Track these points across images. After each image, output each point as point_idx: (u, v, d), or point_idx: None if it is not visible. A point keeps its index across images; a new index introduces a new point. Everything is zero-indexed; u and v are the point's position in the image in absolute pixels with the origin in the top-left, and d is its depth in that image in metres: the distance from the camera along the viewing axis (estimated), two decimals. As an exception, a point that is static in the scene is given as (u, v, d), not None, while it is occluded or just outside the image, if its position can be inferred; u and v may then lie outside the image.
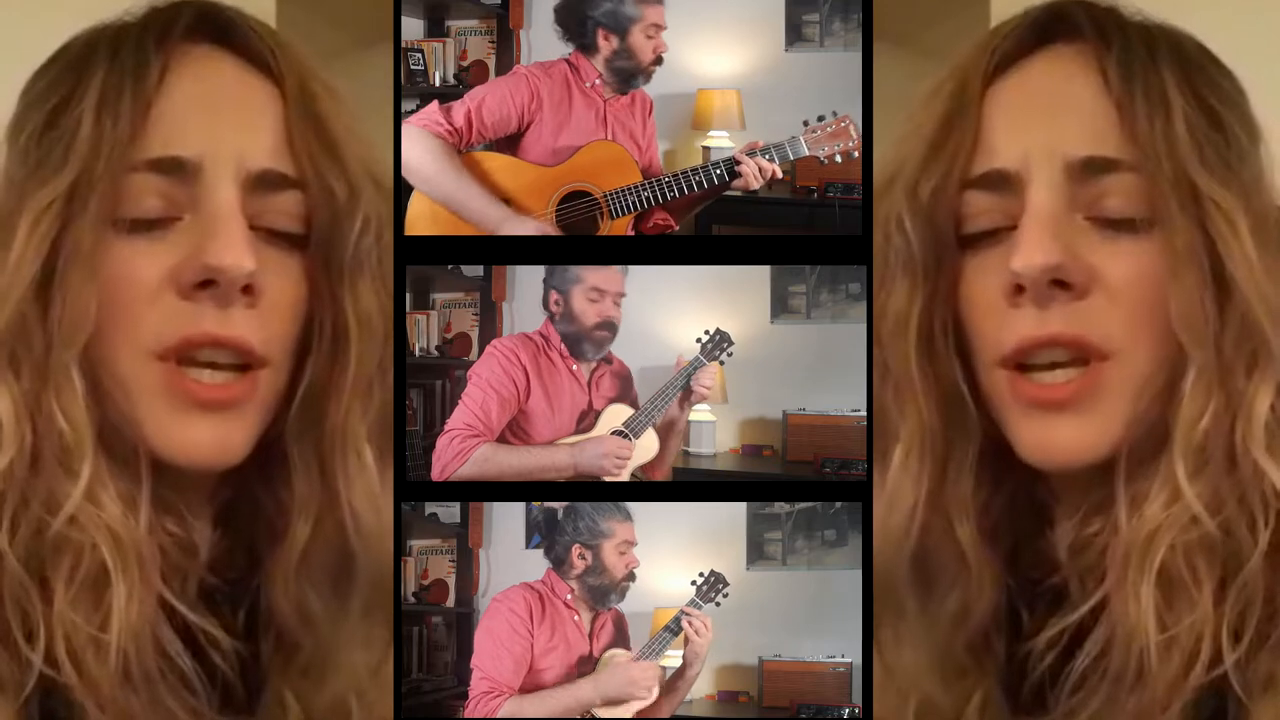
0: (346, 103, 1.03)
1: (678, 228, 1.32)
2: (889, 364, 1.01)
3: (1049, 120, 0.98)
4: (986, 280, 0.99)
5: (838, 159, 1.29)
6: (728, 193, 1.30)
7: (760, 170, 1.28)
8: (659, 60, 1.32)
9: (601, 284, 1.31)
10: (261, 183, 0.98)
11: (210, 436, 0.97)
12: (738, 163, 1.28)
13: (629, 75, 1.32)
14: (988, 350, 0.99)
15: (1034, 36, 1.01)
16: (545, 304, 1.33)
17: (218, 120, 0.98)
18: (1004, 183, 0.98)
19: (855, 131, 1.28)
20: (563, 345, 1.33)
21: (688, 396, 1.32)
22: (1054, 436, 0.97)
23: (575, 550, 1.30)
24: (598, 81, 1.32)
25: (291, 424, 1.00)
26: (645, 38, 1.31)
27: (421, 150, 1.27)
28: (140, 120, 0.96)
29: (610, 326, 1.32)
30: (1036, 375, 0.97)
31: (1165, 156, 0.95)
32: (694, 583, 1.30)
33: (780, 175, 1.29)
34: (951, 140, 0.99)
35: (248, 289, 0.96)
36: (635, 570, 1.30)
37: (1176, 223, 0.95)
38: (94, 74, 0.97)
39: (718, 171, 1.29)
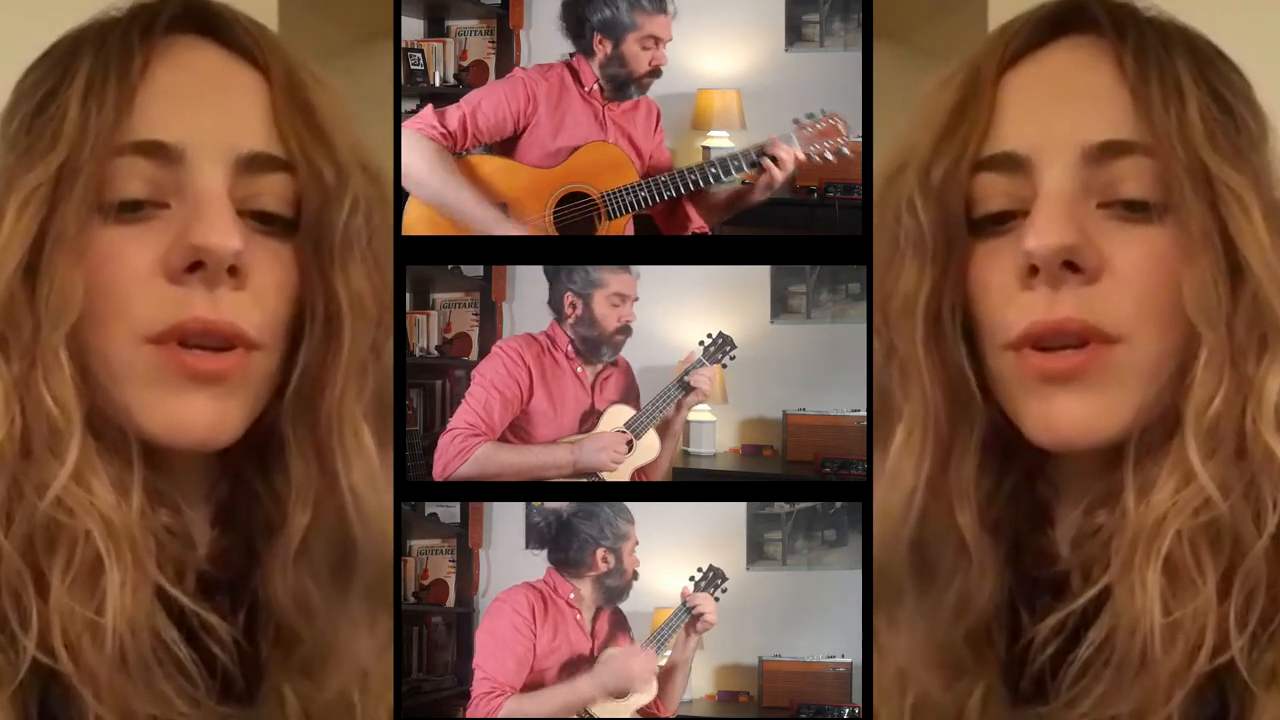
0: (334, 91, 1.04)
1: (710, 230, 1.32)
2: (895, 343, 1.01)
3: (1063, 106, 0.99)
4: (998, 265, 0.99)
5: (828, 156, 1.29)
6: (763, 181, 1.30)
7: (795, 156, 1.28)
8: (655, 73, 1.32)
9: (623, 289, 1.31)
10: (249, 166, 0.99)
11: (204, 411, 0.97)
12: (764, 155, 1.28)
13: (621, 83, 1.32)
14: (996, 335, 0.99)
15: (1049, 28, 1.02)
16: (557, 305, 1.32)
17: (202, 106, 0.99)
18: (1016, 166, 0.99)
19: (844, 129, 1.28)
20: (569, 347, 1.33)
21: (685, 398, 1.33)
22: (1060, 411, 0.97)
23: (599, 553, 1.30)
24: (595, 87, 1.32)
25: (287, 408, 1.00)
26: (640, 49, 1.31)
27: (415, 154, 1.27)
28: (125, 106, 0.97)
29: (627, 330, 1.33)
30: (1044, 351, 0.97)
31: (1179, 141, 0.96)
32: (692, 578, 1.30)
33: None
34: (964, 125, 1.00)
35: (234, 271, 0.96)
36: (638, 570, 1.31)
37: (1190, 207, 0.96)
38: (80, 64, 0.98)
39: (713, 171, 1.29)
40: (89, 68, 0.98)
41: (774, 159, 1.28)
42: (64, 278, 0.95)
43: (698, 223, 1.31)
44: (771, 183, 1.29)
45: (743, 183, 1.31)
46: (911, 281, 1.01)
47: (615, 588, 1.31)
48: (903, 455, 1.01)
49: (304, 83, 1.02)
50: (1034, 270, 0.97)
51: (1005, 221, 1.00)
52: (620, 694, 1.26)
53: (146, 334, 0.96)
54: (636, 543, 1.30)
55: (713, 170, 1.29)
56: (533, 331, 1.34)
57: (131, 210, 0.97)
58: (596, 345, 1.33)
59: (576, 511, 1.30)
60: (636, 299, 1.32)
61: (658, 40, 1.31)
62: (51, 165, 0.95)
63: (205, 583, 0.99)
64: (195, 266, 0.96)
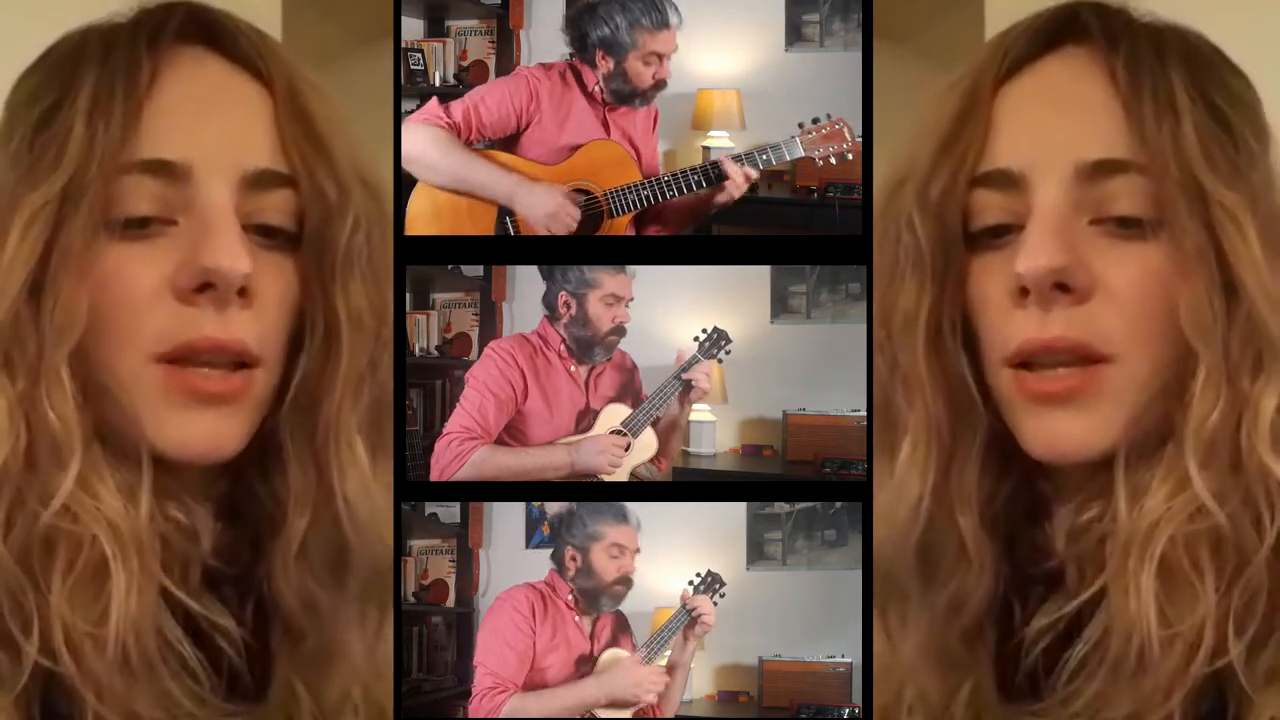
0: (335, 103, 1.04)
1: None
2: (898, 359, 1.02)
3: (1057, 122, 0.99)
4: (993, 281, 0.99)
5: (832, 160, 1.29)
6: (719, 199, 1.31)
7: (746, 177, 1.29)
8: (660, 85, 1.32)
9: (618, 290, 1.31)
10: (254, 182, 0.99)
11: (206, 430, 0.97)
12: (722, 166, 1.29)
13: (625, 96, 1.32)
14: (994, 349, 1.00)
15: (1044, 38, 1.02)
16: (550, 304, 1.33)
17: (207, 123, 0.99)
18: (1011, 183, 0.99)
19: (850, 133, 1.28)
20: (562, 346, 1.33)
21: (687, 394, 1.33)
22: (1057, 431, 0.98)
23: (568, 552, 1.30)
24: (597, 88, 1.32)
25: (285, 418, 1.01)
26: (643, 65, 1.31)
27: (425, 141, 1.28)
28: (132, 122, 0.97)
29: (621, 331, 1.33)
30: (1039, 371, 0.98)
31: (1172, 158, 0.96)
32: (691, 582, 1.30)
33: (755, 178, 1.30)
34: (962, 139, 1.00)
35: (243, 291, 0.97)
36: (631, 576, 1.31)
37: (1184, 224, 0.95)
38: (85, 76, 0.97)
39: (716, 171, 1.29)
40: (94, 81, 0.97)
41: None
42: (69, 296, 0.94)
43: (657, 230, 1.32)
44: (731, 198, 1.30)
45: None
46: (911, 299, 1.01)
47: (587, 590, 1.31)
48: (909, 468, 1.01)
49: (304, 92, 1.02)
50: (1025, 292, 0.97)
51: (1002, 235, 1.00)
52: (625, 704, 1.26)
53: (155, 352, 0.96)
54: (625, 547, 1.30)
55: (715, 170, 1.29)
56: (526, 332, 1.34)
57: (138, 227, 0.97)
58: (590, 346, 1.33)
59: (565, 511, 1.30)
60: (632, 299, 1.32)
61: (660, 56, 1.31)
62: (57, 184, 0.95)
63: (211, 577, 0.99)
64: (204, 287, 0.96)
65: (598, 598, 1.31)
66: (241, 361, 0.98)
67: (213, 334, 0.96)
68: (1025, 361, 0.98)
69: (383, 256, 1.04)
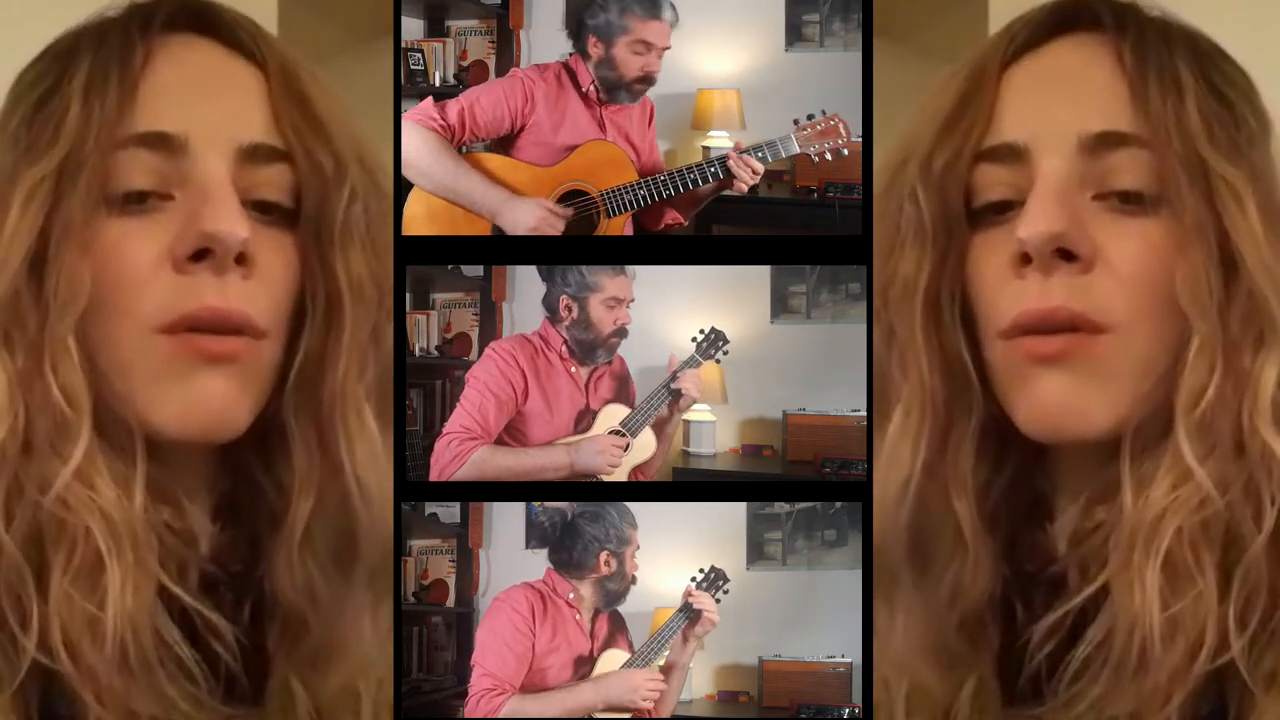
0: (332, 91, 1.05)
1: (687, 223, 1.33)
2: (894, 328, 1.02)
3: (1062, 97, 1.00)
4: (994, 254, 1.00)
5: (828, 156, 1.29)
6: (727, 192, 1.31)
7: (753, 170, 1.29)
8: (646, 79, 1.32)
9: (619, 292, 1.31)
10: (250, 156, 1.00)
11: (216, 394, 0.97)
12: (728, 159, 1.29)
13: (612, 87, 1.32)
14: (991, 322, 1.00)
15: (1052, 26, 1.03)
16: (552, 307, 1.33)
17: (203, 98, 1.00)
18: (1015, 157, 1.00)
19: (845, 129, 1.28)
20: (563, 348, 1.33)
21: (676, 403, 1.33)
22: (1049, 395, 0.97)
23: (603, 556, 1.30)
24: (592, 87, 1.32)
25: (289, 398, 1.01)
26: (631, 54, 1.31)
27: (417, 143, 1.28)
28: (127, 100, 0.98)
29: (623, 332, 1.33)
30: (1035, 335, 0.98)
31: (1176, 133, 0.97)
32: (694, 579, 1.30)
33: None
34: (966, 116, 1.01)
35: (242, 259, 0.97)
36: (636, 574, 1.31)
37: (1185, 199, 0.96)
38: (80, 62, 0.99)
39: (712, 170, 1.29)
40: (90, 63, 0.98)
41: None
42: (72, 269, 0.95)
43: (670, 215, 1.32)
44: (740, 191, 1.30)
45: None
46: (911, 267, 1.02)
47: (615, 591, 1.31)
48: (900, 437, 1.01)
49: (300, 76, 1.03)
50: (1027, 259, 0.97)
51: (1005, 211, 1.00)
52: (623, 709, 1.26)
53: (157, 325, 0.96)
54: (638, 547, 1.30)
55: (712, 169, 1.29)
56: (527, 332, 1.34)
57: (137, 202, 0.98)
58: (592, 348, 1.33)
59: (582, 513, 1.30)
60: (632, 300, 1.32)
61: (649, 45, 1.31)
62: (54, 158, 0.96)
63: (208, 580, 0.99)
64: (202, 255, 0.97)
65: (620, 597, 1.31)
66: (243, 332, 0.98)
67: (214, 303, 0.96)
68: (1023, 333, 0.98)
69: (382, 228, 1.05)
